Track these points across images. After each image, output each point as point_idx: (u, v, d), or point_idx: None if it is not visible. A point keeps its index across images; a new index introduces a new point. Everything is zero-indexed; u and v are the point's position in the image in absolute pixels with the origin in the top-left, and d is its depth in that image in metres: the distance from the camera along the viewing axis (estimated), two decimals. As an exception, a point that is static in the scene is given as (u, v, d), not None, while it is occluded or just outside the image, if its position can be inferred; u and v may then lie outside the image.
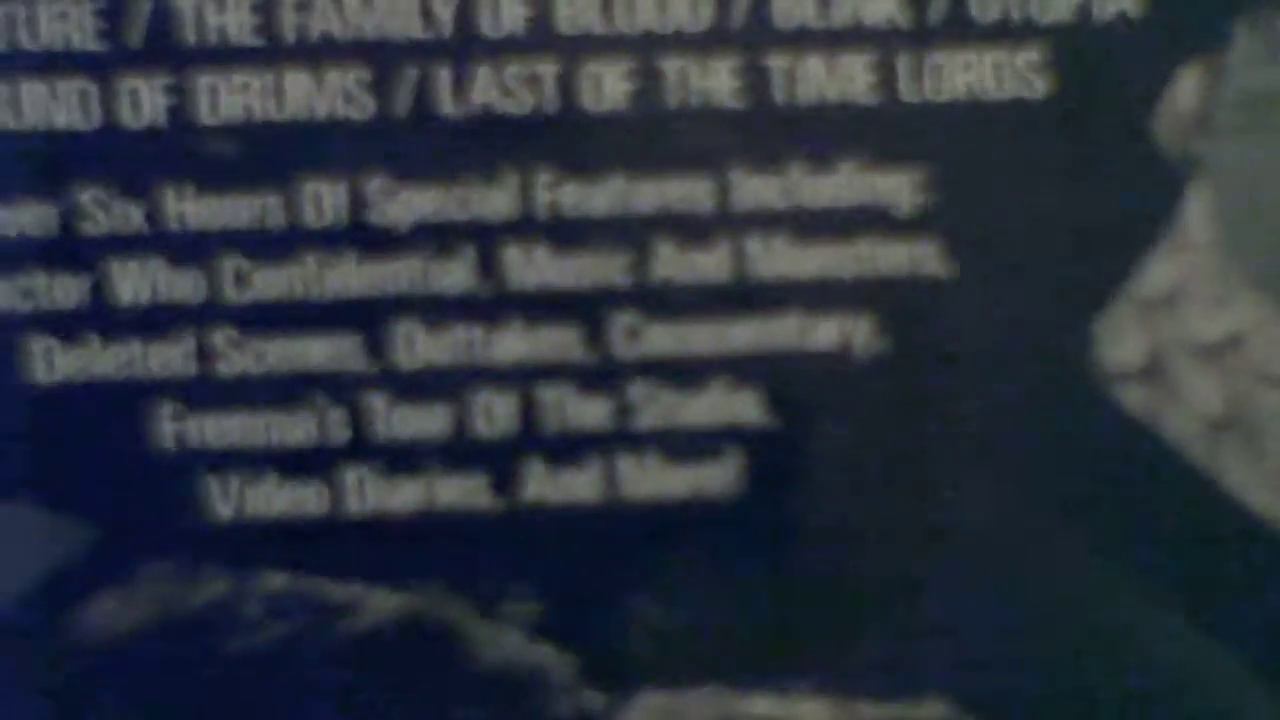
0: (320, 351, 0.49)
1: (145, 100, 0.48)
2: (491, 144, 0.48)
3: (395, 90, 0.48)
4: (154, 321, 0.49)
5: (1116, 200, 0.49)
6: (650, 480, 0.50)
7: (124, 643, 0.49)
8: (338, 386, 0.49)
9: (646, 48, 0.48)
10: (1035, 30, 0.49)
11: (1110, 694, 0.51)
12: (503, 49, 0.48)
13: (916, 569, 0.50)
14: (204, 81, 0.48)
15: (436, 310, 0.49)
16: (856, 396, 0.49)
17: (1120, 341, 0.49)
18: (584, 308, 0.50)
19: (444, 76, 0.48)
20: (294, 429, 0.49)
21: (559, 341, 0.49)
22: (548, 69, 0.48)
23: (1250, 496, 0.50)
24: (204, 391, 0.49)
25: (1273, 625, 0.50)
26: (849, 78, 0.49)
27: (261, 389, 0.49)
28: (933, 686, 0.50)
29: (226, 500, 0.49)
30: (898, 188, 0.49)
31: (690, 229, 0.49)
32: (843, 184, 0.49)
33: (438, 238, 0.49)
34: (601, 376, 0.49)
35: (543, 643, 0.50)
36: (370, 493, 0.50)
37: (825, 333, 0.49)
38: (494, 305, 0.49)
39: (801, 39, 0.48)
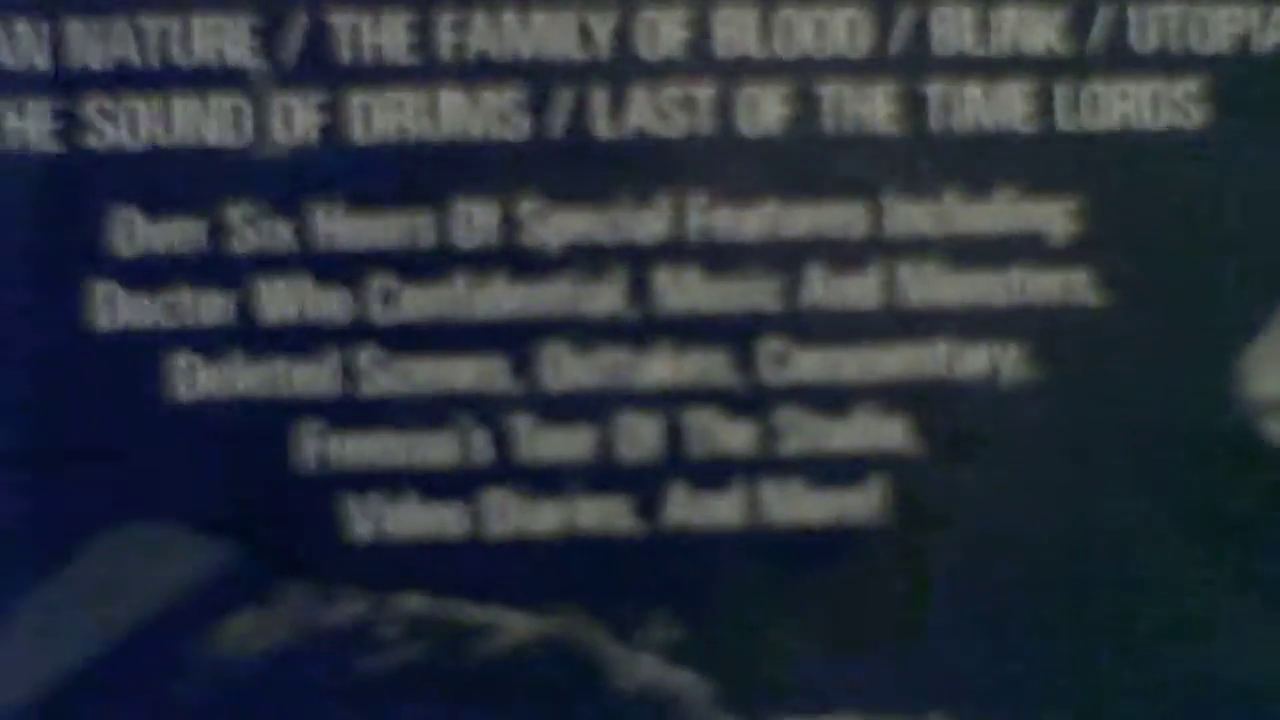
0: (466, 372, 0.48)
1: (298, 117, 0.47)
2: (645, 166, 0.48)
3: (550, 111, 0.48)
4: (299, 340, 0.49)
5: (1271, 232, 0.48)
6: (794, 506, 0.49)
7: (262, 662, 0.48)
8: (483, 407, 0.49)
9: (804, 72, 0.48)
10: (1194, 60, 0.48)
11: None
12: (660, 71, 0.48)
13: (1063, 597, 0.49)
14: (357, 99, 0.47)
15: (585, 332, 0.49)
16: (1005, 425, 0.49)
17: (1269, 374, 0.49)
18: (733, 332, 0.49)
19: (600, 98, 0.48)
20: (437, 449, 0.49)
21: (706, 366, 0.49)
22: (704, 92, 0.48)
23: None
24: (348, 411, 0.49)
25: None
26: (1006, 105, 0.48)
27: (406, 409, 0.49)
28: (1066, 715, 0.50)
29: (367, 520, 0.49)
30: (1052, 216, 0.49)
31: (842, 254, 0.49)
32: (997, 211, 0.49)
33: (588, 260, 0.49)
34: (748, 401, 0.49)
35: (681, 668, 0.49)
36: (512, 514, 0.49)
37: (975, 360, 0.49)
38: (642, 328, 0.49)
39: (960, 66, 0.48)
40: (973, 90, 0.48)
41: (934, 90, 0.48)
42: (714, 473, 0.49)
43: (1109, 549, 0.49)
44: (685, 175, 0.48)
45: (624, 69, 0.48)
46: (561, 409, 0.49)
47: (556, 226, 0.48)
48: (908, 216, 0.48)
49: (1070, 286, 0.49)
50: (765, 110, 0.48)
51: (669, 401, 0.49)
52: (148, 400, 0.48)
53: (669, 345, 0.49)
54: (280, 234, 0.48)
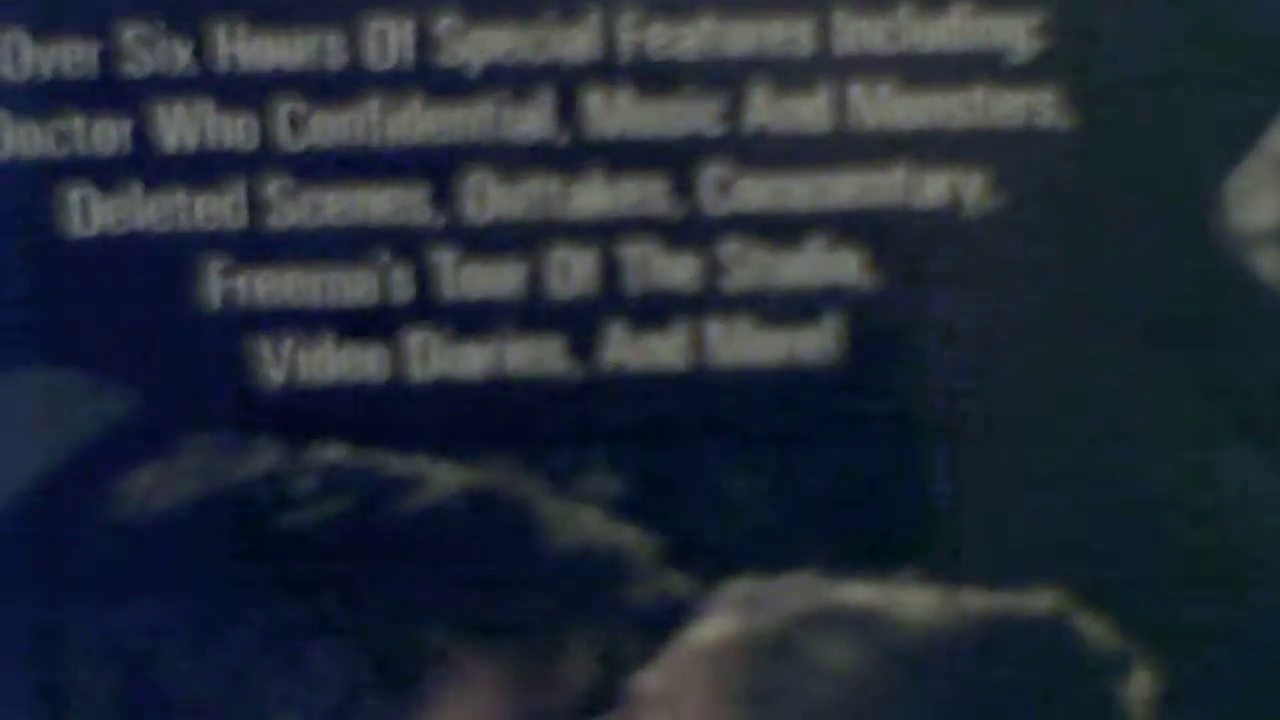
0: (382, 203, 0.46)
1: (193, -72, 0.44)
2: (573, -22, 0.44)
3: (467, -82, 0.44)
4: (201, 169, 0.46)
5: (1252, 47, 0.45)
6: (741, 345, 0.47)
7: (166, 519, 0.45)
8: (401, 241, 0.46)
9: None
10: None
11: (1220, 570, 0.47)
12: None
13: (1026, 447, 0.46)
14: (261, -92, 0.44)
15: (510, 159, 0.46)
16: (966, 257, 0.45)
17: (1253, 202, 0.45)
18: (671, 158, 0.46)
19: (522, -97, 0.44)
20: (353, 287, 0.46)
21: (643, 194, 0.46)
22: (634, -102, 0.44)
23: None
24: (255, 246, 0.46)
25: None
26: (964, -89, 0.44)
27: (318, 243, 0.46)
28: (1042, 574, 0.46)
29: (279, 365, 0.46)
30: (1014, 31, 0.46)
31: (788, 74, 0.46)
32: (954, 27, 0.46)
33: (513, 81, 0.46)
34: (689, 232, 0.46)
35: (623, 523, 0.46)
36: (436, 357, 0.47)
37: (933, 187, 0.46)
38: (573, 154, 0.46)
39: None
40: (927, -106, 0.44)
41: (885, -106, 0.44)
42: (654, 310, 0.46)
43: (1076, 387, 0.46)
44: (616, -13, 0.44)
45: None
46: (487, 242, 0.46)
47: (477, 45, 0.46)
48: (858, 32, 0.45)
49: (1034, 108, 0.45)
50: (700, -83, 0.44)
51: (603, 233, 0.46)
52: (39, 235, 0.45)
53: (602, 172, 0.46)
54: (178, 56, 0.45)
